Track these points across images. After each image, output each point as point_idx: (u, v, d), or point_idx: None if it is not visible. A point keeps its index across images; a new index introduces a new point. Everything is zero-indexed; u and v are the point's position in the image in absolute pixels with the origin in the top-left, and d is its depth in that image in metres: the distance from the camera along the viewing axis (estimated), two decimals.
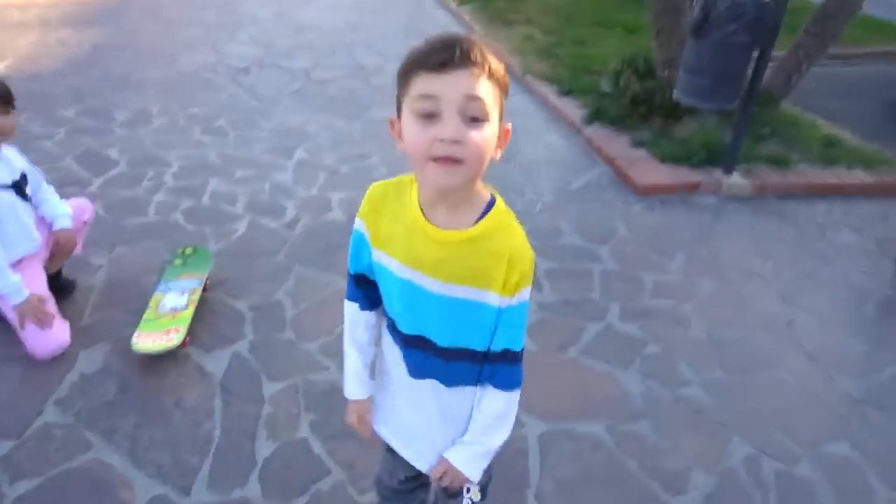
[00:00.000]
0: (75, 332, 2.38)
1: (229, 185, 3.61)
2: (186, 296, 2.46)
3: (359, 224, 1.15)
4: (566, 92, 5.55)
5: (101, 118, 4.43)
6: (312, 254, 3.02)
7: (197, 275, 2.61)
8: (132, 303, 2.58)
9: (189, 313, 2.39)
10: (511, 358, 1.10)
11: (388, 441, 1.33)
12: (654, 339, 2.61)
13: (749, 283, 3.05)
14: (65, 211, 2.44)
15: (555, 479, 1.96)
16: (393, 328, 1.17)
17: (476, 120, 0.92)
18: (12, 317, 2.22)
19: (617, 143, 4.46)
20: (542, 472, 1.98)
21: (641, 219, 3.62)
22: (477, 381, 1.15)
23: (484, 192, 1.06)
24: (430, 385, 1.16)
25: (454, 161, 0.92)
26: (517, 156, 4.36)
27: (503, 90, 0.97)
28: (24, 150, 3.80)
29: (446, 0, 9.80)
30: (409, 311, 1.11)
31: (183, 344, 2.28)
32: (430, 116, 0.91)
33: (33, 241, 2.31)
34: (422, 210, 1.04)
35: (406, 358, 1.17)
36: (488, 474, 1.31)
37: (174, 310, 2.38)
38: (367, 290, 1.20)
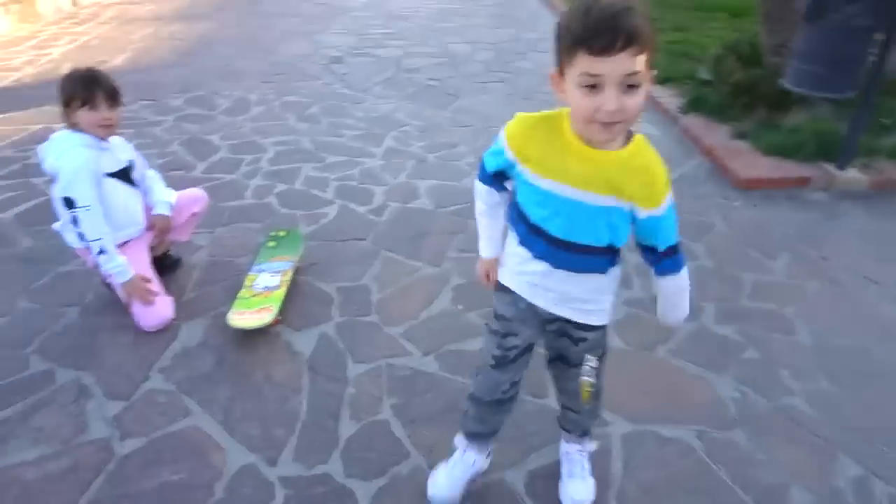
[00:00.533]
0: (179, 306, 2.52)
1: (321, 171, 3.72)
2: (279, 277, 2.55)
3: (503, 145, 1.38)
4: (662, 80, 5.31)
5: (204, 106, 4.68)
6: (398, 240, 3.06)
7: (289, 257, 2.70)
8: (229, 281, 2.71)
9: (281, 293, 2.48)
10: (676, 250, 1.36)
11: (513, 287, 1.52)
12: (753, 343, 2.46)
13: (864, 288, 2.81)
14: (164, 199, 2.59)
15: (638, 482, 1.89)
16: (536, 231, 1.38)
17: (633, 86, 1.11)
18: (122, 293, 2.38)
19: (716, 134, 4.23)
20: (625, 474, 1.91)
21: (741, 214, 3.42)
22: (604, 270, 1.41)
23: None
24: (564, 273, 1.41)
25: (615, 123, 1.14)
26: None
27: (652, 50, 1.12)
28: (138, 135, 4.11)
29: None
30: (557, 217, 1.33)
31: (274, 322, 2.37)
32: (593, 87, 1.11)
33: (138, 224, 2.47)
34: (579, 136, 1.26)
35: (545, 252, 1.39)
36: (602, 349, 1.57)
37: (267, 289, 2.48)
38: (498, 182, 1.49)
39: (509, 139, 1.37)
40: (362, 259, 2.90)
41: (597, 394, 1.65)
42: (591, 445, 1.86)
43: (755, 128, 4.20)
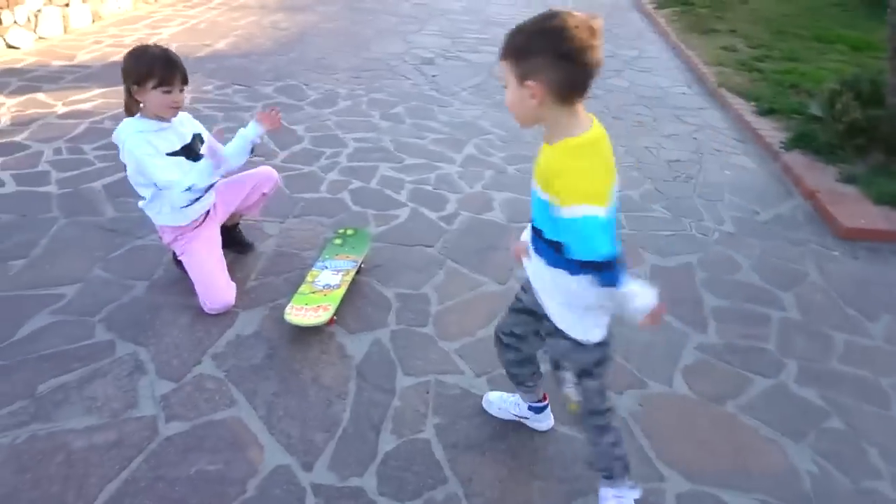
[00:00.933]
0: (240, 293, 2.54)
1: (397, 172, 3.69)
2: (340, 275, 2.53)
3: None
4: (766, 111, 4.99)
5: (293, 96, 4.77)
6: (466, 251, 2.98)
7: (353, 256, 2.67)
8: (293, 273, 2.71)
9: (340, 293, 2.45)
10: (594, 267, 1.33)
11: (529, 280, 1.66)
12: (839, 411, 2.22)
13: None
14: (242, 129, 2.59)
15: None
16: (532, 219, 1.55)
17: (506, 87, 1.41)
18: (193, 275, 2.43)
19: (821, 175, 3.91)
20: None
21: (840, 266, 3.12)
22: (572, 271, 1.42)
23: (573, 129, 1.38)
24: (540, 262, 1.52)
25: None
26: (699, 175, 3.99)
27: (510, 57, 1.38)
28: (227, 119, 4.23)
29: (642, 2, 9.32)
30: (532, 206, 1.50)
31: (329, 322, 2.34)
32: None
33: (209, 197, 2.50)
34: None
35: (533, 238, 1.55)
36: (581, 367, 1.59)
37: (327, 287, 2.46)
38: None
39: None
40: (426, 267, 2.84)
41: (591, 418, 1.68)
42: (631, 493, 1.72)
43: (867, 173, 3.85)
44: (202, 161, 2.39)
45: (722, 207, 3.63)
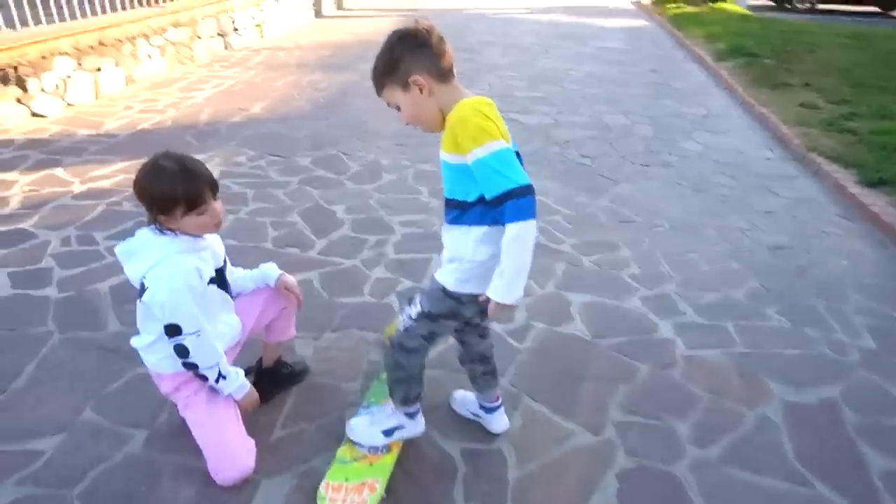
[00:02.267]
0: (262, 450, 1.97)
1: None
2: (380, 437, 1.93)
3: None
4: (873, 182, 4.31)
5: (333, 169, 4.29)
6: (544, 382, 2.36)
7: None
8: (330, 418, 2.13)
9: (391, 460, 1.86)
10: (506, 197, 1.42)
11: None
12: None
13: None
14: (267, 265, 2.10)
15: None
16: None
17: (399, 108, 1.61)
18: (199, 437, 1.86)
19: None
20: None
21: None
22: (469, 223, 1.59)
23: (461, 97, 1.56)
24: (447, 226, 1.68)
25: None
26: (811, 268, 3.32)
27: (386, 76, 1.58)
28: (258, 198, 3.75)
29: (700, 54, 8.79)
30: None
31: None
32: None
33: (236, 331, 1.97)
34: None
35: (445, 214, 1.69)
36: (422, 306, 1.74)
37: (374, 450, 1.87)
38: None
39: None
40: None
41: (397, 349, 1.78)
42: (399, 418, 1.93)
43: None
44: (233, 317, 1.91)
45: (850, 311, 2.95)
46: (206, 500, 1.82)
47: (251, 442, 1.94)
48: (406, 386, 1.85)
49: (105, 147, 4.46)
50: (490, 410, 2.09)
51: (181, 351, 1.72)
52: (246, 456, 1.89)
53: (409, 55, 1.53)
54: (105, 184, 3.87)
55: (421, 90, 1.53)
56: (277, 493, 1.85)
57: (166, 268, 1.68)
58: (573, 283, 3.03)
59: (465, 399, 2.18)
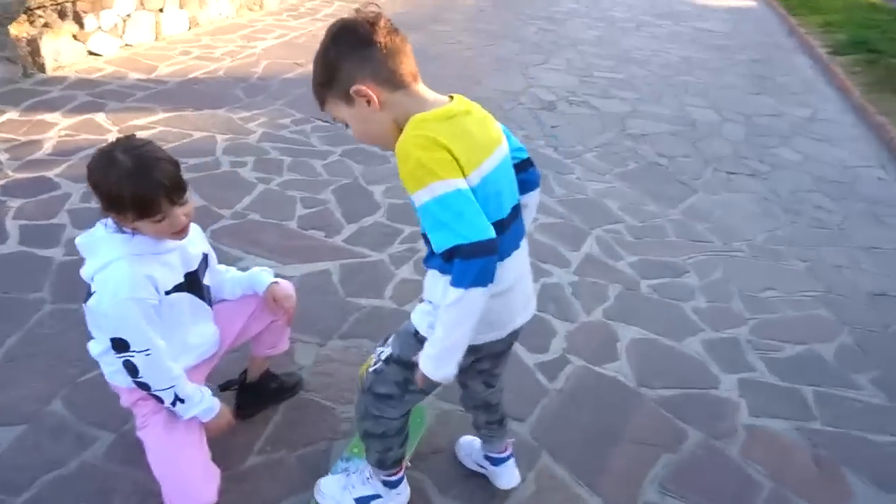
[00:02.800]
0: (230, 478, 1.71)
1: None
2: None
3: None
4: None
5: None
6: (572, 436, 2.00)
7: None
8: (313, 448, 1.86)
9: None
10: (452, 255, 1.12)
11: None
12: None
13: None
14: (258, 271, 1.80)
15: None
16: None
17: (347, 125, 1.28)
18: (153, 461, 1.61)
19: None
20: None
21: None
22: (438, 267, 1.26)
23: (420, 109, 1.21)
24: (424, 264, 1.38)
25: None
26: None
27: (325, 87, 1.24)
28: (294, 167, 3.48)
29: (813, 44, 7.86)
30: None
31: None
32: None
33: (207, 345, 1.69)
34: None
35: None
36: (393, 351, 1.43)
37: None
38: None
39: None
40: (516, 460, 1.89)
41: (368, 395, 1.48)
42: (375, 487, 1.64)
43: None
44: (209, 326, 1.66)
45: None
46: None
47: (215, 472, 1.66)
48: (381, 443, 1.53)
49: (151, 94, 4.28)
50: (497, 462, 1.77)
51: (130, 368, 1.46)
52: (204, 489, 1.61)
53: (348, 58, 1.19)
54: (142, 134, 3.67)
55: (368, 102, 1.19)
56: None
57: (113, 274, 1.41)
58: (625, 313, 2.62)
59: (471, 447, 1.85)
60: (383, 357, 1.44)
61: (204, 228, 1.87)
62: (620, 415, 2.11)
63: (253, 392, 1.94)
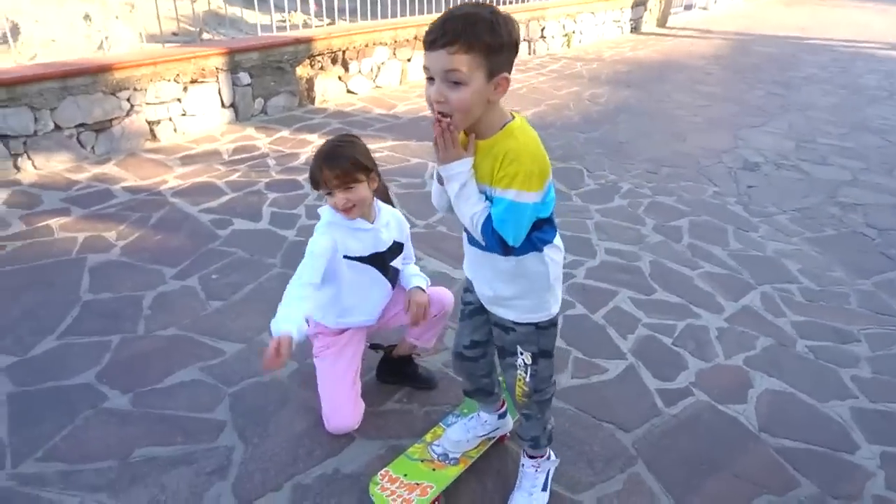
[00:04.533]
0: (372, 414, 2.16)
1: (636, 306, 2.90)
2: (469, 443, 1.94)
3: None
4: None
5: (568, 182, 4.29)
6: (674, 461, 2.08)
7: (498, 419, 2.06)
8: (439, 408, 2.23)
9: (453, 474, 1.87)
10: (496, 233, 1.40)
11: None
12: None
13: None
14: (418, 274, 2.23)
15: None
16: None
17: (457, 83, 1.29)
18: (320, 385, 2.12)
19: None
20: None
21: None
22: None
23: (504, 115, 1.42)
24: (476, 252, 1.59)
25: (443, 113, 1.34)
26: None
27: (489, 55, 1.27)
28: None
29: None
30: None
31: None
32: (430, 79, 1.34)
33: (368, 315, 2.16)
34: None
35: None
36: (537, 347, 1.65)
37: (444, 459, 1.90)
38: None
39: None
40: (605, 460, 2.06)
41: (534, 396, 1.71)
42: (549, 463, 1.89)
43: None
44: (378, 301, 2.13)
45: None
46: (310, 436, 2.09)
47: (362, 405, 2.13)
48: (549, 417, 1.83)
49: (386, 126, 5.16)
50: (504, 414, 2.04)
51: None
52: (350, 415, 2.09)
53: (509, 48, 1.31)
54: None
55: (497, 92, 1.33)
56: (362, 455, 2.03)
57: (317, 228, 1.97)
58: (769, 364, 2.58)
59: (466, 430, 1.99)
60: (529, 361, 1.65)
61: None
62: (730, 451, 2.14)
63: (390, 365, 2.35)
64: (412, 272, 2.25)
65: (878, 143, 5.56)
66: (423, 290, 2.19)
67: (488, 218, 1.41)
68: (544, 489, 1.86)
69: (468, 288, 1.76)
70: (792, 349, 2.70)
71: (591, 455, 2.08)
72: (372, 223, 2.03)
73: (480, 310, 1.74)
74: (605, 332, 2.72)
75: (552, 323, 1.66)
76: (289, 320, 1.71)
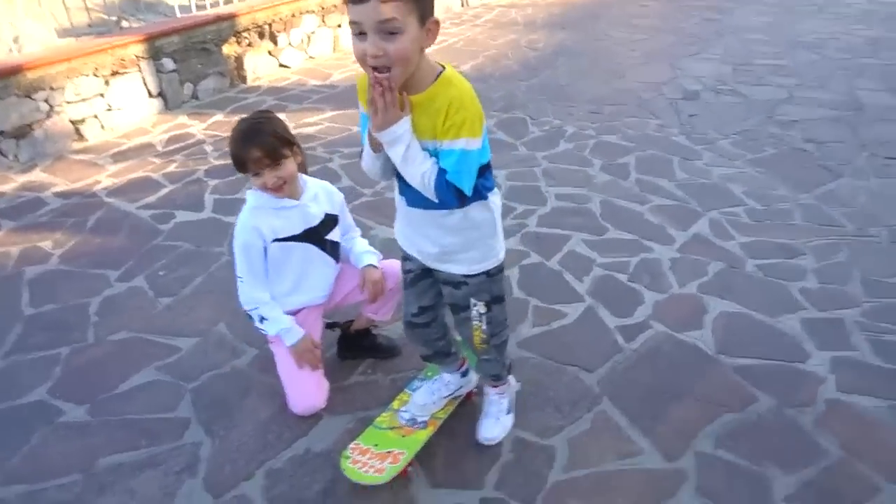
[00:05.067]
0: (337, 389, 2.15)
1: (590, 248, 2.93)
2: (435, 407, 1.95)
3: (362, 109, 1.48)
4: None
5: (513, 133, 4.25)
6: (637, 391, 2.14)
7: (463, 376, 2.07)
8: (405, 374, 2.22)
9: (423, 436, 1.88)
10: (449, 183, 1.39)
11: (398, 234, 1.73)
12: None
13: None
14: (368, 250, 2.20)
15: None
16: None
17: (393, 33, 1.23)
18: (279, 369, 2.10)
19: None
20: None
21: None
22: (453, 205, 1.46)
23: (434, 65, 1.39)
24: (421, 212, 1.56)
25: (379, 70, 1.27)
26: None
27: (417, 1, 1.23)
28: None
29: None
30: None
31: (402, 473, 1.79)
32: (360, 34, 1.25)
33: (318, 291, 2.14)
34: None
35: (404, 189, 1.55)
36: (489, 295, 1.67)
37: (412, 423, 1.91)
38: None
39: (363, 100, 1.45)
40: (572, 402, 2.10)
41: (491, 341, 1.75)
42: (511, 387, 2.00)
43: None
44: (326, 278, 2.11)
45: None
46: (276, 422, 2.07)
47: (325, 384, 2.12)
48: (505, 358, 1.91)
49: (323, 97, 5.02)
50: (466, 371, 2.06)
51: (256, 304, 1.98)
52: (315, 395, 2.07)
53: None
54: (310, 130, 4.38)
55: (429, 37, 1.31)
56: (331, 432, 2.02)
57: (239, 219, 1.93)
58: (722, 287, 2.64)
59: (431, 392, 2.00)
60: (484, 310, 1.67)
61: (349, 202, 2.32)
62: (691, 376, 2.20)
63: (350, 341, 2.32)
64: (361, 249, 2.22)
65: (811, 59, 5.65)
66: (376, 267, 2.17)
67: (440, 172, 1.39)
68: (508, 412, 1.98)
69: (406, 256, 1.74)
70: (742, 270, 2.77)
71: (558, 399, 2.11)
72: (298, 199, 1.99)
73: (422, 275, 1.74)
74: (562, 278, 2.74)
75: (501, 269, 1.68)
76: (281, 321, 1.98)
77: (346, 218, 2.21)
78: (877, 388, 2.14)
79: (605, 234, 3.05)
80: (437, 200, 1.44)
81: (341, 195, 2.19)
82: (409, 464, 1.82)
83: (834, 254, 2.85)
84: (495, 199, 1.59)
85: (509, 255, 2.86)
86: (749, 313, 2.50)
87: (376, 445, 1.84)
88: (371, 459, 1.79)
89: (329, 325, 2.31)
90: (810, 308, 2.52)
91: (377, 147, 1.46)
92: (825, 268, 2.76)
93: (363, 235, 2.32)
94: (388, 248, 2.39)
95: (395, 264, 2.23)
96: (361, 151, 1.58)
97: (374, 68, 1.27)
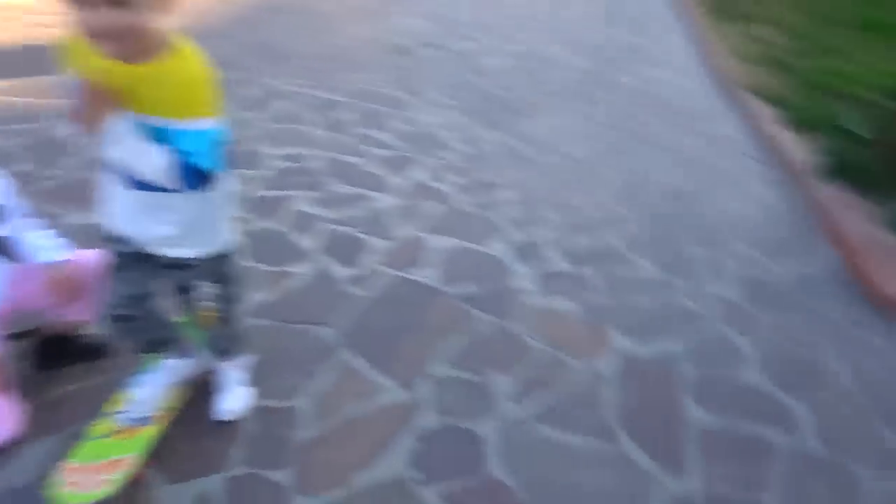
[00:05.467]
0: (44, 405, 1.85)
1: (314, 205, 2.93)
2: (163, 396, 1.81)
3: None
4: (796, 122, 4.11)
5: (226, 95, 4.00)
6: (373, 334, 2.24)
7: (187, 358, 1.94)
8: (123, 373, 2.00)
9: (153, 432, 1.73)
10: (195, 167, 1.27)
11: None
12: None
13: None
14: (47, 243, 1.88)
15: None
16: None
17: (119, 4, 1.09)
18: None
19: (857, 218, 3.07)
20: None
21: (885, 358, 2.33)
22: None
23: (164, 33, 1.22)
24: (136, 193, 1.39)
25: (109, 38, 1.12)
26: (702, 213, 3.17)
27: None
28: None
29: None
30: None
31: (139, 477, 1.63)
32: (84, 4, 1.08)
33: None
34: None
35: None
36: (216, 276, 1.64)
37: (135, 422, 1.74)
38: None
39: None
40: (312, 360, 2.11)
41: (226, 319, 1.75)
42: (244, 359, 1.94)
43: None
44: None
45: (727, 261, 2.83)
46: None
47: (15, 406, 1.79)
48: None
49: None
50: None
51: None
52: (4, 422, 1.75)
53: None
54: None
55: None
56: (36, 458, 1.71)
57: None
58: (441, 226, 2.87)
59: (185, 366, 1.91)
60: (217, 291, 1.66)
61: (28, 189, 1.91)
62: (421, 311, 2.37)
63: (48, 348, 1.98)
64: (41, 242, 1.88)
65: (510, 14, 6.30)
66: (65, 261, 1.86)
67: (184, 156, 1.26)
68: (246, 384, 1.94)
69: (117, 239, 1.53)
70: (458, 210, 3.03)
71: (300, 359, 2.11)
72: None
73: (136, 259, 1.54)
74: (288, 239, 2.70)
75: (234, 246, 1.65)
76: None
77: (15, 208, 1.86)
78: (567, 290, 2.55)
79: (330, 189, 3.07)
80: (176, 185, 1.31)
81: (5, 180, 1.84)
82: (145, 465, 1.67)
83: (533, 187, 3.27)
84: (230, 178, 1.51)
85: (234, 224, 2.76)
86: (465, 246, 2.76)
87: (94, 459, 1.64)
88: (87, 476, 1.59)
89: (13, 337, 1.96)
90: (514, 231, 2.88)
91: (92, 129, 1.27)
92: (530, 199, 3.16)
93: (51, 226, 1.98)
94: (84, 236, 2.10)
95: (88, 255, 1.96)
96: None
97: (100, 39, 1.12)
